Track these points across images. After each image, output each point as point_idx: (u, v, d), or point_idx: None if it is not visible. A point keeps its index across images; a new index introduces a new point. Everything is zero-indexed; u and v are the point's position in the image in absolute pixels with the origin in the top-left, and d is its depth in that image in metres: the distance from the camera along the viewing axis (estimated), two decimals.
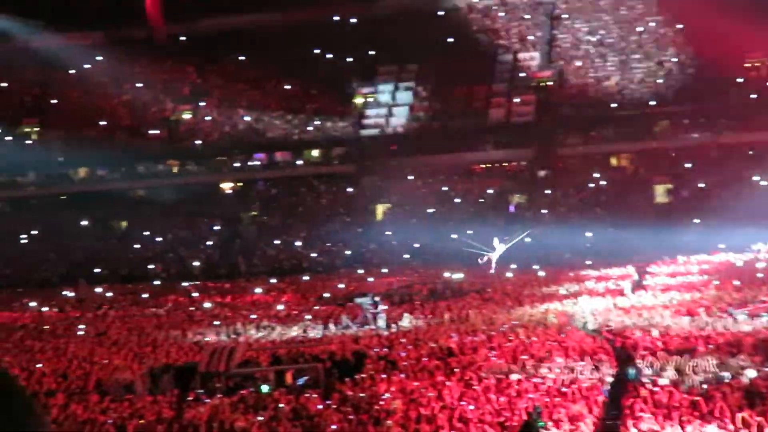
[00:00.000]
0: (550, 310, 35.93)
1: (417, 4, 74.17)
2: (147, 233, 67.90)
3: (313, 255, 64.32)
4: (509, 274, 47.81)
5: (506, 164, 70.49)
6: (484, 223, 58.44)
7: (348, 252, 63.26)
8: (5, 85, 78.36)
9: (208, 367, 27.19)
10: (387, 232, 64.44)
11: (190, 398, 24.44)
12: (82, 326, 40.60)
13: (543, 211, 64.41)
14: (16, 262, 65.70)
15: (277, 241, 66.09)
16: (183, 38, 78.47)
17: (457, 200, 66.36)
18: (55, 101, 77.57)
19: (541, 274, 49.47)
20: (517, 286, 44.66)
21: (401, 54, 73.82)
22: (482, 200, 66.70)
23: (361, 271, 56.18)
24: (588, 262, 51.95)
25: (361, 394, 22.94)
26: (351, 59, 74.70)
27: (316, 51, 75.30)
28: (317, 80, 73.58)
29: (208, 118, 74.50)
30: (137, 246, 67.12)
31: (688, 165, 64.85)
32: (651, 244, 52.92)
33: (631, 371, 24.07)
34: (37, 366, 29.83)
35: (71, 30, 76.86)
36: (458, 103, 72.08)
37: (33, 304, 51.06)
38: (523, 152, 69.01)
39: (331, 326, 35.92)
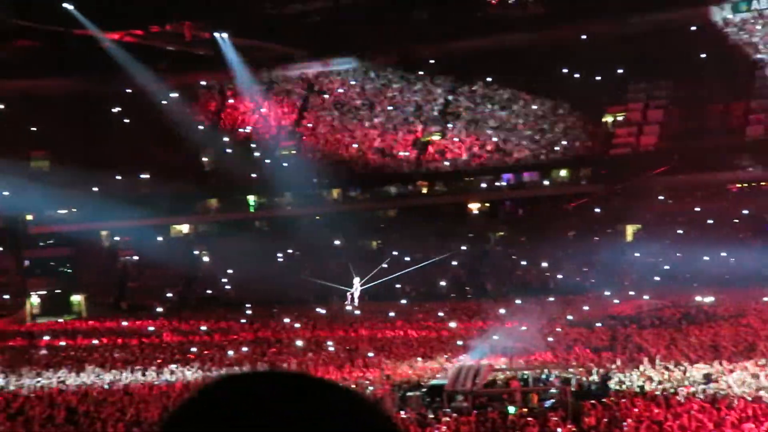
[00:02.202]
0: None
1: (669, 20, 72.29)
2: (396, 253, 69.39)
3: (560, 276, 63.81)
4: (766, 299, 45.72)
5: (764, 183, 67.57)
6: (739, 245, 56.24)
7: (595, 273, 62.34)
8: (264, 110, 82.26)
9: (454, 385, 27.54)
10: (636, 254, 63.07)
11: (435, 416, 24.81)
12: (330, 343, 41.96)
13: None
14: (273, 280, 68.64)
15: (523, 262, 66.01)
16: (432, 61, 79.88)
17: (710, 221, 64.11)
18: (310, 125, 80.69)
19: None
20: None
21: (653, 71, 72.21)
22: (737, 221, 64.14)
23: (608, 294, 55.21)
24: None
25: (605, 419, 22.61)
26: (600, 78, 73.69)
27: (565, 70, 74.80)
28: (566, 100, 73.14)
29: (456, 139, 75.41)
30: (386, 265, 68.68)
31: None
32: None
33: None
34: None
35: (327, 55, 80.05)
36: (713, 121, 69.71)
37: (287, 320, 53.25)
38: None
39: (576, 349, 35.51)
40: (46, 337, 52.08)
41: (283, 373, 1.85)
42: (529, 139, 72.96)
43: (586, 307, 49.25)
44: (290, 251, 70.25)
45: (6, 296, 67.96)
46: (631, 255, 63.45)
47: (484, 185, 73.02)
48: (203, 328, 52.07)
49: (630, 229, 67.25)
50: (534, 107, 74.85)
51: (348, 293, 46.71)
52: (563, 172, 72.45)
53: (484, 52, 75.74)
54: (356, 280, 53.55)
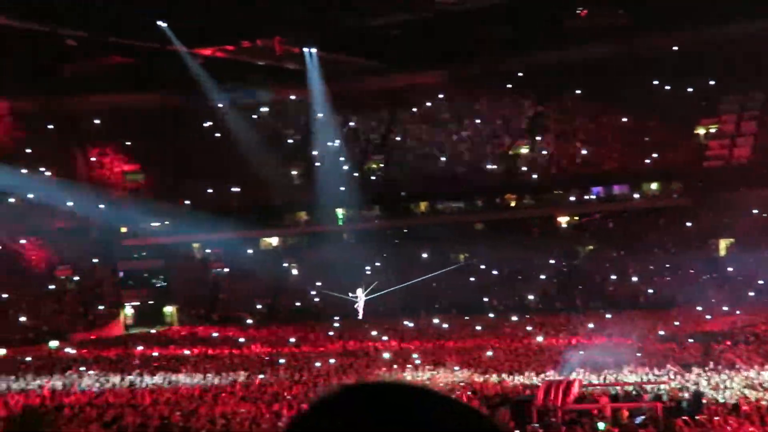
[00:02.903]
0: None
1: (761, 29, 70.89)
2: (484, 266, 69.23)
3: (650, 291, 62.98)
4: None
5: None
6: None
7: (687, 288, 61.30)
8: (353, 124, 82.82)
9: (544, 400, 27.37)
10: (729, 269, 61.95)
11: None
12: (416, 356, 42.04)
13: None
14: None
15: (613, 276, 65.28)
16: (520, 73, 79.59)
17: None
18: (398, 138, 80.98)
19: None
20: None
21: (745, 82, 70.85)
22: None
23: (699, 309, 54.29)
24: None
25: None
26: (691, 89, 72.61)
27: (655, 82, 73.88)
28: (656, 112, 72.17)
29: (544, 152, 74.92)
30: (473, 279, 68.58)
31: None
32: None
33: None
34: None
35: (417, 69, 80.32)
36: None
37: (374, 333, 53.49)
38: None
39: (669, 366, 34.99)
40: (140, 347, 53.10)
41: (403, 384, 1.91)
42: (619, 151, 72.16)
43: (677, 323, 48.51)
44: (378, 264, 70.49)
45: (101, 307, 69.45)
46: (724, 269, 62.34)
47: (572, 198, 72.42)
48: (292, 339, 52.55)
49: (723, 243, 66.08)
50: (624, 119, 73.98)
51: (355, 306, 49.02)
52: (654, 185, 71.51)
53: (573, 63, 75.20)
54: (359, 291, 57.21)
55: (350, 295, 59.08)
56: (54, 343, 59.60)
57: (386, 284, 68.05)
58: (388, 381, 1.89)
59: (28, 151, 77.89)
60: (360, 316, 56.27)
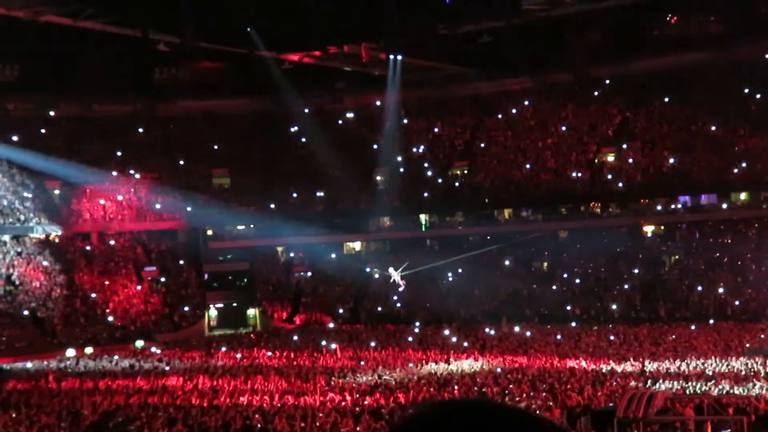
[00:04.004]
0: None
1: None
2: (567, 275, 68.68)
3: (737, 302, 61.82)
4: None
5: None
6: None
7: None
8: (437, 130, 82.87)
9: (626, 412, 27.07)
10: None
11: None
12: (495, 363, 41.91)
13: None
14: (444, 298, 69.01)
15: (699, 287, 64.22)
16: (608, 81, 78.90)
17: None
18: (483, 144, 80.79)
19: None
20: None
21: None
22: None
23: None
24: None
25: None
26: None
27: (746, 90, 72.56)
28: (746, 120, 70.85)
29: (631, 160, 74.03)
30: (556, 287, 68.10)
31: None
32: None
33: None
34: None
35: (503, 76, 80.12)
36: None
37: (454, 339, 53.49)
38: None
39: (755, 378, 34.32)
40: (223, 349, 53.78)
41: (493, 403, 2.02)
42: (707, 160, 70.96)
43: (764, 336, 47.55)
44: (460, 270, 70.40)
45: (186, 308, 70.54)
46: None
47: (659, 207, 71.43)
48: (373, 344, 52.74)
49: None
50: (713, 128, 72.73)
51: (392, 280, 62.03)
52: (743, 195, 70.17)
53: (662, 71, 74.28)
54: (391, 269, 63.89)
55: (387, 273, 65.06)
56: (140, 343, 60.76)
57: (468, 290, 68.01)
58: (474, 400, 2.00)
59: (119, 153, 79.50)
60: (401, 289, 62.84)
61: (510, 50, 75.19)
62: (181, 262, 74.99)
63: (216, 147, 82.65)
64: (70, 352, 57.11)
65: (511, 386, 34.44)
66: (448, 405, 1.99)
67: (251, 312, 74.05)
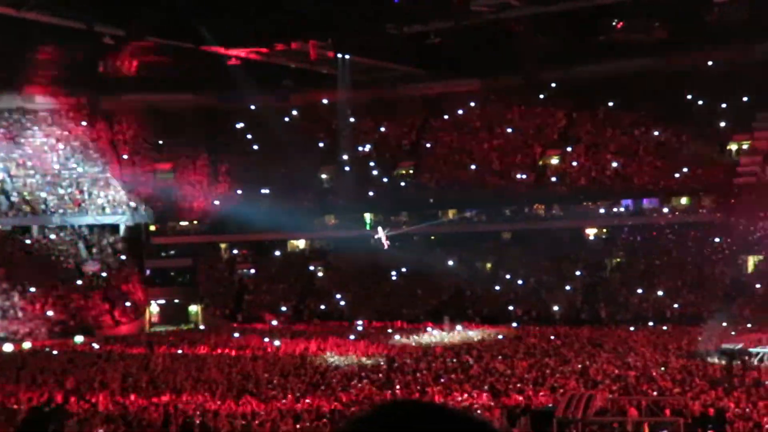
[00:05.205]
0: None
1: None
2: (509, 276, 69.09)
3: (676, 306, 62.66)
4: None
5: None
6: None
7: (713, 304, 60.99)
8: (384, 129, 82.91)
9: (565, 412, 27.29)
10: (757, 285, 61.54)
11: None
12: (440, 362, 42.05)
13: None
14: (388, 298, 69.15)
15: (639, 290, 64.95)
16: (554, 84, 79.49)
17: None
18: (429, 145, 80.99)
19: None
20: None
21: None
22: None
23: (725, 324, 53.95)
24: None
25: None
26: (725, 105, 72.22)
27: (689, 97, 73.57)
28: (689, 127, 71.78)
29: (575, 163, 74.67)
30: (499, 288, 68.49)
31: None
32: None
33: None
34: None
35: (450, 77, 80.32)
36: None
37: (397, 337, 53.55)
38: None
39: (695, 381, 34.76)
40: (164, 345, 53.34)
41: (435, 405, 2.08)
42: (650, 165, 71.81)
43: (702, 338, 48.19)
44: (404, 270, 70.53)
45: (128, 303, 69.88)
46: (752, 286, 61.94)
47: (602, 210, 72.11)
48: (315, 342, 52.58)
49: (752, 260, 65.59)
50: (656, 133, 73.64)
51: (377, 237, 63.39)
52: (684, 200, 71.10)
53: (607, 76, 74.96)
54: (380, 229, 65.20)
55: (376, 236, 64.83)
56: (79, 338, 60.06)
57: (411, 290, 68.13)
58: (417, 401, 2.09)
59: (61, 145, 78.53)
60: (386, 248, 63.72)
61: (458, 52, 75.46)
62: (123, 257, 74.26)
63: (160, 142, 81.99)
64: (8, 347, 56.28)
65: (453, 386, 34.56)
66: (393, 407, 2.05)
67: (193, 308, 73.55)
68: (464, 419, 2.07)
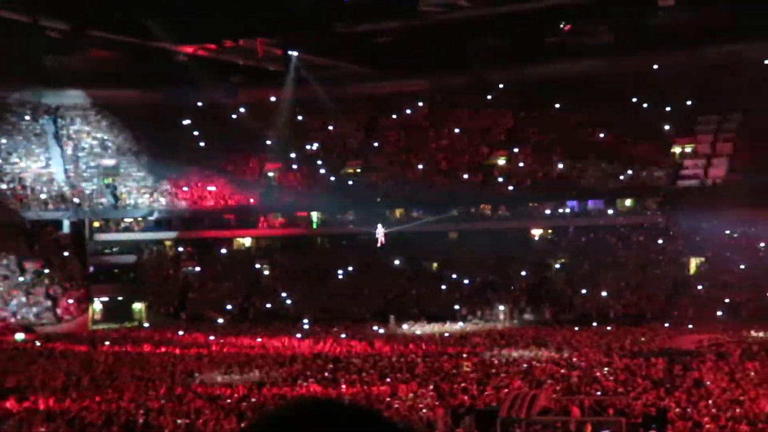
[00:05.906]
0: None
1: (741, 53, 71.47)
2: (455, 275, 69.29)
3: (620, 306, 63.30)
4: None
5: None
6: None
7: (656, 305, 61.70)
8: (332, 128, 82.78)
9: (509, 412, 27.40)
10: (699, 287, 62.37)
11: None
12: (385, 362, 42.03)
13: None
14: (333, 297, 69.04)
15: (584, 290, 65.51)
16: (501, 85, 79.91)
17: None
18: (377, 144, 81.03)
19: None
20: None
21: (723, 104, 71.31)
22: None
23: (667, 325, 54.58)
24: None
25: None
26: (669, 108, 73.11)
27: (634, 99, 74.41)
28: (634, 129, 72.57)
29: (521, 164, 75.15)
30: (445, 287, 68.67)
31: None
32: None
33: None
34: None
35: (399, 76, 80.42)
36: None
37: (343, 336, 53.46)
38: None
39: (636, 380, 35.11)
40: (107, 343, 52.77)
41: (345, 404, 2.06)
42: (596, 166, 72.46)
43: (644, 339, 48.70)
44: (350, 269, 70.51)
45: (70, 301, 69.04)
46: (693, 288, 62.76)
47: (548, 211, 72.61)
48: (260, 340, 52.38)
49: (694, 262, 66.44)
50: (601, 135, 74.40)
51: (376, 235, 65.90)
52: (628, 202, 71.83)
53: (554, 78, 75.55)
54: (379, 226, 67.39)
55: (373, 232, 67.62)
56: (20, 336, 59.20)
57: (357, 289, 68.10)
58: (326, 400, 2.09)
59: (4, 141, 77.46)
60: (379, 245, 66.96)
61: (407, 51, 75.61)
62: (66, 253, 73.30)
63: (105, 138, 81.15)
64: None
65: (398, 385, 34.57)
66: (299, 406, 2.05)
67: (137, 306, 72.82)
68: (373, 419, 2.08)
